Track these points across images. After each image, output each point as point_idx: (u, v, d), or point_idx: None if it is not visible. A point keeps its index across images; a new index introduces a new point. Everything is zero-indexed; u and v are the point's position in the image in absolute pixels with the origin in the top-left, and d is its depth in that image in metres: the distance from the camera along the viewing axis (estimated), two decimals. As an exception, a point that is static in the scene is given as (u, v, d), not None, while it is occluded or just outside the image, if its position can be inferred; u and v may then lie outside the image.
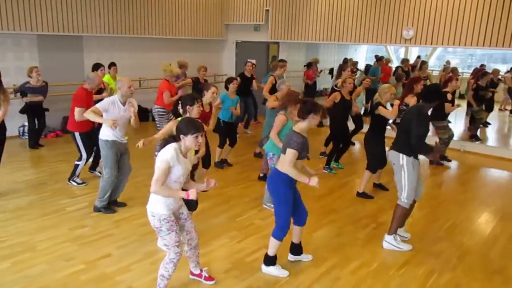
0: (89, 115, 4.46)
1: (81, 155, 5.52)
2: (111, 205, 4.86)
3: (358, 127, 7.63)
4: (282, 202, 3.50)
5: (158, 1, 9.74)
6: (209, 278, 3.52)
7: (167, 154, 2.93)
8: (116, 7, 8.95)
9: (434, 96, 4.09)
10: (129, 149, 4.84)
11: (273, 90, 6.77)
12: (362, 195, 5.57)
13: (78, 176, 5.66)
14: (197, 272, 3.52)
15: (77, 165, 5.58)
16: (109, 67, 7.58)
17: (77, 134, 5.40)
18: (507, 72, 10.16)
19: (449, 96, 6.70)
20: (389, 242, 4.21)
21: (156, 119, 6.83)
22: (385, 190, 5.80)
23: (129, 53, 9.69)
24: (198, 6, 10.69)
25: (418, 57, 11.37)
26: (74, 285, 3.43)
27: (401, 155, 4.08)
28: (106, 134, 4.59)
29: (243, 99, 7.71)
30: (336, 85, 7.00)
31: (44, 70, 7.52)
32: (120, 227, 4.49)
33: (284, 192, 3.48)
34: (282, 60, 7.89)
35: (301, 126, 3.48)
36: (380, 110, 5.13)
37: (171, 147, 2.96)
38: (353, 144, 8.15)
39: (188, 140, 2.96)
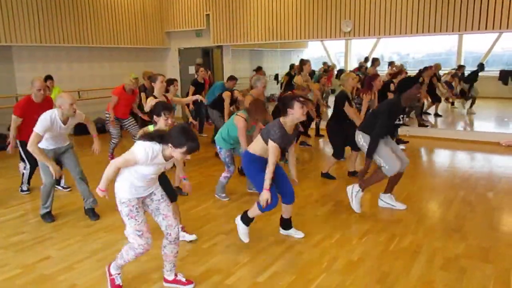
0: (35, 153, 3.90)
1: (25, 164, 5.09)
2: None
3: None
4: (256, 175, 3.50)
5: (93, 8, 9.35)
6: (188, 281, 2.99)
7: (139, 154, 2.56)
8: (48, 15, 8.46)
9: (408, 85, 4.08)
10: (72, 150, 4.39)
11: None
12: (325, 175, 5.57)
13: (23, 183, 5.24)
14: (172, 278, 2.99)
15: (23, 174, 5.21)
16: (45, 80, 7.03)
17: (19, 142, 4.84)
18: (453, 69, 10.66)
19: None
20: (383, 199, 4.51)
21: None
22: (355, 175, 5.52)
23: (66, 63, 9.19)
24: (136, 14, 10.39)
25: (365, 58, 11.56)
26: (8, 291, 3.02)
27: (360, 134, 4.26)
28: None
29: (195, 104, 7.72)
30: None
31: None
32: (61, 230, 4.08)
33: (254, 167, 3.52)
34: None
35: (285, 119, 3.39)
36: (347, 110, 5.15)
37: (150, 149, 2.57)
38: (309, 136, 8.12)
39: (176, 153, 2.55)
